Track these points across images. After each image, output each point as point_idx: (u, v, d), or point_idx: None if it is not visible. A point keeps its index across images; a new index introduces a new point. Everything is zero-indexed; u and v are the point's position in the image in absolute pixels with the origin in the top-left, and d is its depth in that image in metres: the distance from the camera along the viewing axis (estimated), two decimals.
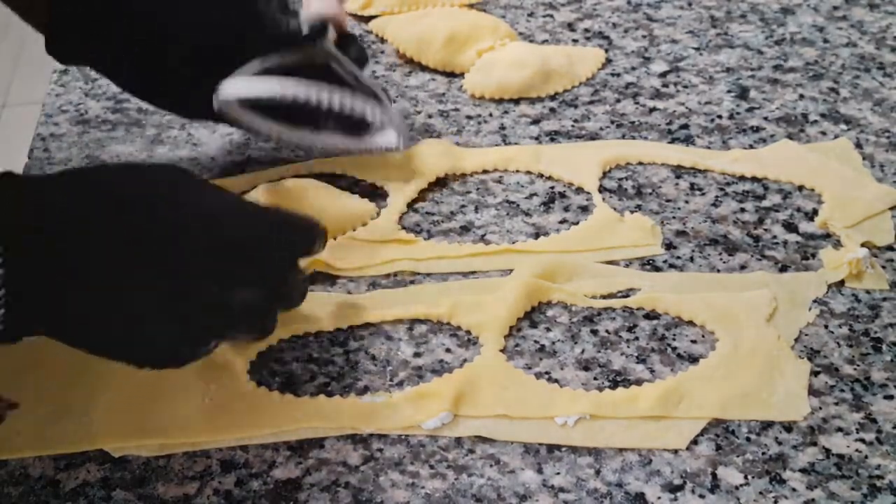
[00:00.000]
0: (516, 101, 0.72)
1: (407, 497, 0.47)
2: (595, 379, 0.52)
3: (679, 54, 0.76)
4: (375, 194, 0.64)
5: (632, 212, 0.62)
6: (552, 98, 0.72)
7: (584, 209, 0.63)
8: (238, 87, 0.59)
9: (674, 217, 0.62)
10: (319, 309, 0.55)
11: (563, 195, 0.64)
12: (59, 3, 0.58)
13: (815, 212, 0.62)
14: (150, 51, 0.60)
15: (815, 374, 0.52)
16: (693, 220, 0.62)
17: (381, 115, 0.61)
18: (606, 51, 0.77)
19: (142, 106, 0.73)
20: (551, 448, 0.49)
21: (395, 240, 0.60)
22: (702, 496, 0.46)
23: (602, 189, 0.64)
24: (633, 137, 0.68)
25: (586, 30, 0.79)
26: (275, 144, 0.67)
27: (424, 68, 0.76)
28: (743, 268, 0.58)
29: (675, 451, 0.48)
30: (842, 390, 0.51)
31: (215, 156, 0.68)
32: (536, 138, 0.69)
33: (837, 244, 0.59)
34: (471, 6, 0.80)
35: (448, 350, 0.54)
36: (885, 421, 0.50)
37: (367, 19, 0.81)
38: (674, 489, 0.47)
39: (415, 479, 0.48)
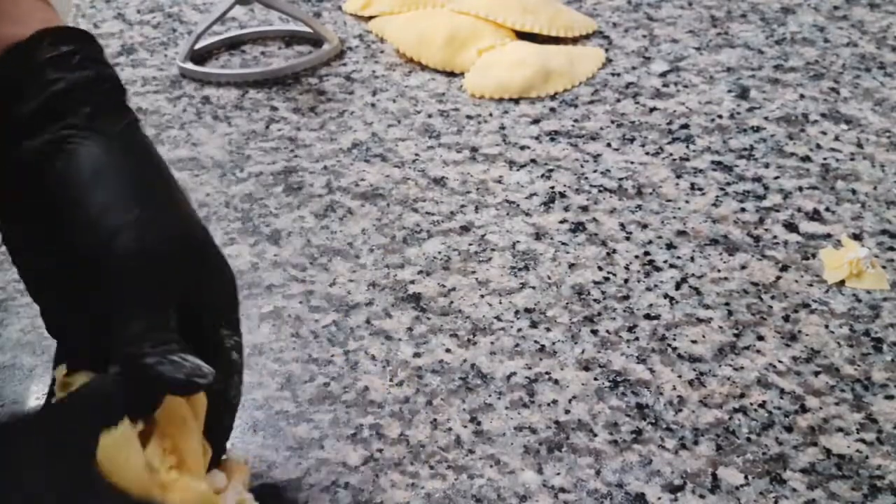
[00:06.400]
0: (516, 101, 0.72)
1: (407, 497, 0.47)
2: (595, 379, 0.52)
3: (679, 54, 0.76)
4: None
5: (632, 212, 0.62)
6: (552, 98, 0.72)
7: (584, 209, 0.63)
8: None
9: (674, 217, 0.62)
10: None
11: (563, 195, 0.64)
12: None
13: (816, 212, 0.62)
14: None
15: (815, 374, 0.52)
16: (693, 220, 0.62)
17: None
18: (606, 51, 0.77)
19: (141, 105, 0.73)
20: (551, 448, 0.49)
21: None
22: (702, 496, 0.46)
23: (603, 189, 0.64)
24: (633, 137, 0.68)
25: None
26: None
27: (424, 68, 0.76)
28: (743, 268, 0.58)
29: (676, 452, 0.48)
30: (842, 390, 0.51)
31: (215, 155, 0.68)
32: (536, 138, 0.69)
33: (838, 244, 0.59)
34: None
35: (448, 350, 0.54)
36: (886, 421, 0.50)
37: (367, 19, 0.81)
38: (674, 489, 0.47)
39: (415, 480, 0.48)
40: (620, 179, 0.65)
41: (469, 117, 0.71)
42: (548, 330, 0.55)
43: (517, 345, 0.54)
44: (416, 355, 0.54)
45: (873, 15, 0.80)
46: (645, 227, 0.61)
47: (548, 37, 0.77)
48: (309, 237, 0.62)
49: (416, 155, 0.68)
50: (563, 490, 0.47)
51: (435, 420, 0.50)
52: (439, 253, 0.60)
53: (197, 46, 0.77)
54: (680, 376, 0.52)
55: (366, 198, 0.64)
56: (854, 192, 0.63)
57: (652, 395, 0.51)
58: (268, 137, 0.69)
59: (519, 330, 0.55)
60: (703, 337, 0.54)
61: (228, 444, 0.49)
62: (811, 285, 0.57)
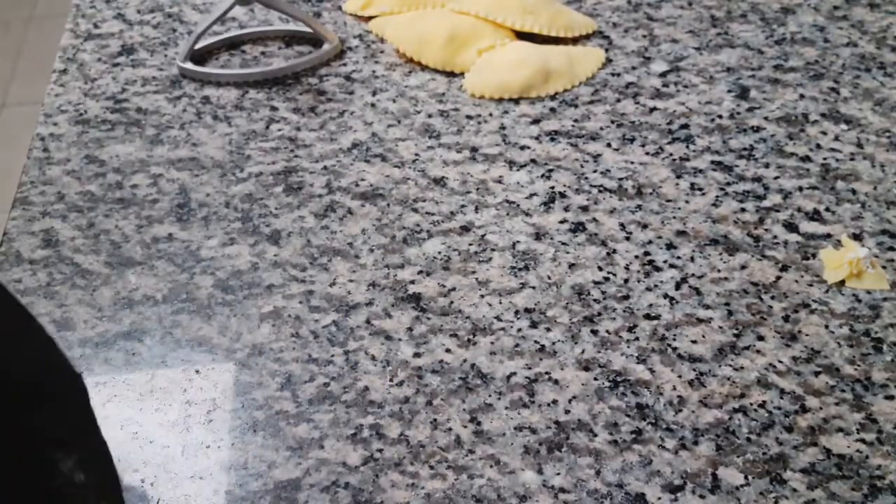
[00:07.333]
0: (516, 101, 0.72)
1: (407, 497, 0.47)
2: (595, 379, 0.52)
3: (679, 54, 0.76)
4: None
5: (632, 212, 0.62)
6: (552, 98, 0.72)
7: (584, 209, 0.63)
8: None
9: (674, 217, 0.62)
10: None
11: (563, 195, 0.64)
12: None
13: (816, 212, 0.62)
14: None
15: (815, 374, 0.52)
16: (693, 220, 0.62)
17: None
18: (606, 51, 0.77)
19: (141, 105, 0.73)
20: (551, 448, 0.49)
21: None
22: (702, 496, 0.46)
23: (603, 189, 0.64)
24: (634, 137, 0.68)
25: None
26: None
27: (424, 68, 0.76)
28: (743, 268, 0.58)
29: (676, 452, 0.48)
30: (842, 390, 0.51)
31: (215, 155, 0.68)
32: (536, 138, 0.69)
33: (838, 244, 0.59)
34: None
35: (448, 350, 0.54)
36: (886, 421, 0.50)
37: (367, 19, 0.81)
38: (674, 490, 0.47)
39: (415, 480, 0.48)
40: (620, 179, 0.65)
41: (469, 117, 0.71)
42: (548, 330, 0.55)
43: (517, 345, 0.54)
44: (416, 355, 0.54)
45: (873, 15, 0.80)
46: (645, 227, 0.61)
47: (548, 37, 0.77)
48: (309, 237, 0.62)
49: (416, 155, 0.68)
50: (563, 490, 0.47)
51: (435, 420, 0.50)
52: (439, 253, 0.60)
53: (197, 46, 0.77)
54: (680, 376, 0.52)
55: (366, 198, 0.64)
56: (854, 192, 0.63)
57: (652, 395, 0.51)
58: (268, 137, 0.69)
59: (519, 330, 0.55)
60: (703, 337, 0.54)
61: (228, 445, 0.49)
62: (811, 285, 0.57)
